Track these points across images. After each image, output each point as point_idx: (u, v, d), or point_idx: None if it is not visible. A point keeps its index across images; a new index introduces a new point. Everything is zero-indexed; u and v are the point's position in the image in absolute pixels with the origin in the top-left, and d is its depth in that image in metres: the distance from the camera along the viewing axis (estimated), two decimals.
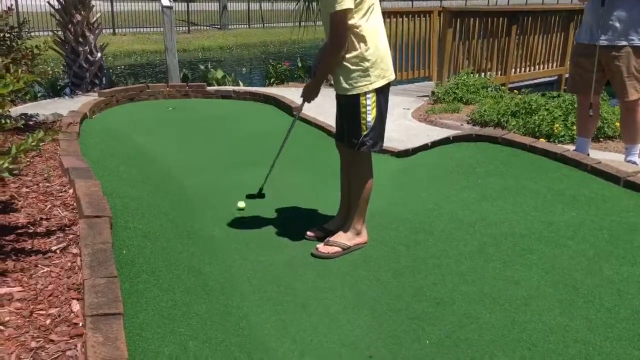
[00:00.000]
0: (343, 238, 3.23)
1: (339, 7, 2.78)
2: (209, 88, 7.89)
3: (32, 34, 4.73)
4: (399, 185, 4.12)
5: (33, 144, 2.04)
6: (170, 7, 7.90)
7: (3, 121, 2.61)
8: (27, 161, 2.14)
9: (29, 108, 5.78)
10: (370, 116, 3.03)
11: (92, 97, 6.75)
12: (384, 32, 3.07)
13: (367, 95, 3.00)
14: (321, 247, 3.22)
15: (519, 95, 6.82)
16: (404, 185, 4.10)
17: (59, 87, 8.11)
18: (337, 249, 3.19)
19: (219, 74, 9.95)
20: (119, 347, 1.77)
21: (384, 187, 3.99)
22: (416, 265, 2.98)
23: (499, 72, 9.15)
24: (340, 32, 2.87)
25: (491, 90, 7.72)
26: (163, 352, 1.92)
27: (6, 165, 2.03)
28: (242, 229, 3.48)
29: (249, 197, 3.96)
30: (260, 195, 3.99)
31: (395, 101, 7.77)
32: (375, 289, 2.82)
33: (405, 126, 6.52)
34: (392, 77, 3.08)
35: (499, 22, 8.85)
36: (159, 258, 2.57)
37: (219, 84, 9.40)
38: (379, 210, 3.60)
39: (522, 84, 9.61)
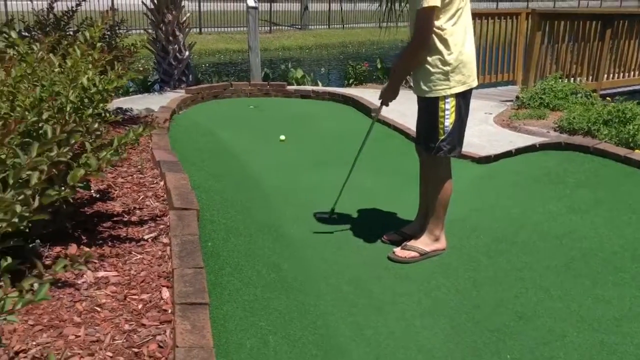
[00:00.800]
0: (421, 243, 3.18)
1: (425, 4, 2.71)
2: (288, 87, 8.02)
3: (130, 32, 4.99)
4: (480, 193, 4.01)
5: (133, 138, 2.16)
6: (255, 8, 8.10)
7: (103, 114, 2.77)
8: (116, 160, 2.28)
9: (122, 102, 6.11)
10: (449, 121, 2.96)
11: (179, 94, 7.04)
12: (472, 36, 2.97)
13: (447, 100, 2.92)
14: (398, 251, 3.19)
15: (612, 103, 6.45)
16: (486, 193, 3.99)
17: (149, 83, 8.52)
18: (414, 254, 3.15)
19: (299, 73, 10.08)
20: (205, 336, 1.84)
21: (464, 194, 3.90)
22: (497, 277, 2.89)
23: (590, 78, 8.69)
24: (425, 30, 2.79)
25: (581, 97, 7.34)
26: (245, 345, 1.98)
27: (108, 156, 2.16)
28: (320, 229, 3.51)
29: (319, 217, 3.64)
30: (331, 217, 3.63)
31: (476, 105, 7.54)
32: (454, 297, 2.77)
33: (486, 131, 6.33)
34: (475, 83, 2.98)
35: (591, 25, 8.40)
36: (241, 252, 2.65)
37: (298, 84, 9.53)
38: (458, 217, 3.53)
39: (615, 90, 9.07)
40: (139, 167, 3.36)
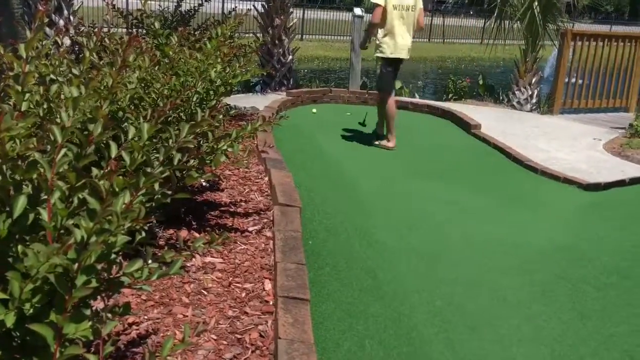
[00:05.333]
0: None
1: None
2: None
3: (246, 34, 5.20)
4: (588, 221, 3.78)
5: (251, 131, 2.23)
6: (361, 17, 8.16)
7: (219, 108, 2.88)
8: (243, 148, 2.38)
9: (227, 100, 6.35)
10: None
11: (280, 96, 7.23)
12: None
13: None
14: None
15: None
16: (594, 221, 3.75)
17: (251, 84, 8.80)
18: None
19: (397, 85, 10.02)
20: (306, 331, 1.86)
21: (570, 221, 3.71)
22: (606, 310, 2.70)
23: None
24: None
25: None
26: (342, 346, 1.98)
27: (225, 147, 2.25)
28: (414, 239, 3.45)
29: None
30: (363, 124, 5.77)
31: (583, 130, 7.19)
32: (556, 327, 2.62)
33: (594, 158, 5.98)
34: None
35: None
36: (339, 253, 2.66)
37: (395, 95, 9.48)
38: (564, 244, 3.35)
39: None
40: (245, 161, 3.47)
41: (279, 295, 2.03)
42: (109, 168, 1.12)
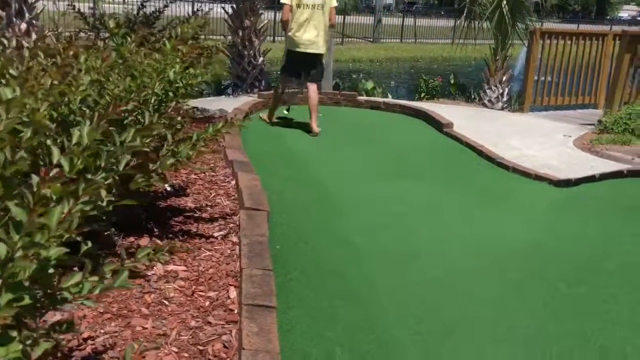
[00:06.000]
0: None
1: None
2: (359, 98, 7.97)
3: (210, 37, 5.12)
4: (560, 218, 3.78)
5: (213, 133, 2.15)
6: None
7: (184, 111, 2.79)
8: (209, 150, 2.30)
9: (196, 103, 6.23)
10: None
11: (251, 98, 7.14)
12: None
13: None
14: None
15: None
16: (565, 218, 3.75)
17: (222, 87, 8.68)
18: None
19: (369, 85, 10.02)
20: (271, 340, 1.79)
21: (542, 217, 3.70)
22: (579, 307, 2.68)
23: None
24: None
25: None
26: (310, 354, 1.91)
27: (186, 151, 2.16)
28: (386, 240, 3.40)
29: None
30: (287, 111, 6.24)
31: (554, 127, 7.25)
32: (531, 325, 2.58)
33: (565, 154, 6.03)
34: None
35: None
36: (308, 258, 2.59)
37: (368, 95, 9.46)
38: (536, 241, 3.33)
39: None
40: (212, 164, 3.38)
41: (243, 304, 1.95)
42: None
